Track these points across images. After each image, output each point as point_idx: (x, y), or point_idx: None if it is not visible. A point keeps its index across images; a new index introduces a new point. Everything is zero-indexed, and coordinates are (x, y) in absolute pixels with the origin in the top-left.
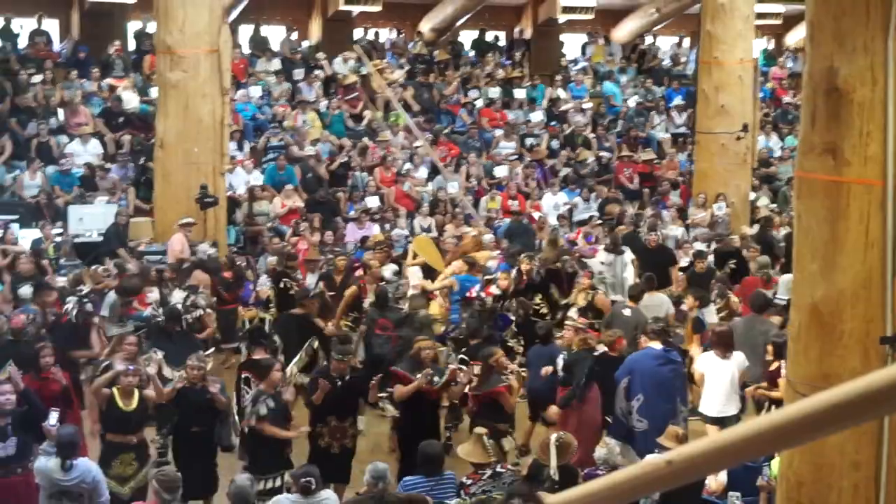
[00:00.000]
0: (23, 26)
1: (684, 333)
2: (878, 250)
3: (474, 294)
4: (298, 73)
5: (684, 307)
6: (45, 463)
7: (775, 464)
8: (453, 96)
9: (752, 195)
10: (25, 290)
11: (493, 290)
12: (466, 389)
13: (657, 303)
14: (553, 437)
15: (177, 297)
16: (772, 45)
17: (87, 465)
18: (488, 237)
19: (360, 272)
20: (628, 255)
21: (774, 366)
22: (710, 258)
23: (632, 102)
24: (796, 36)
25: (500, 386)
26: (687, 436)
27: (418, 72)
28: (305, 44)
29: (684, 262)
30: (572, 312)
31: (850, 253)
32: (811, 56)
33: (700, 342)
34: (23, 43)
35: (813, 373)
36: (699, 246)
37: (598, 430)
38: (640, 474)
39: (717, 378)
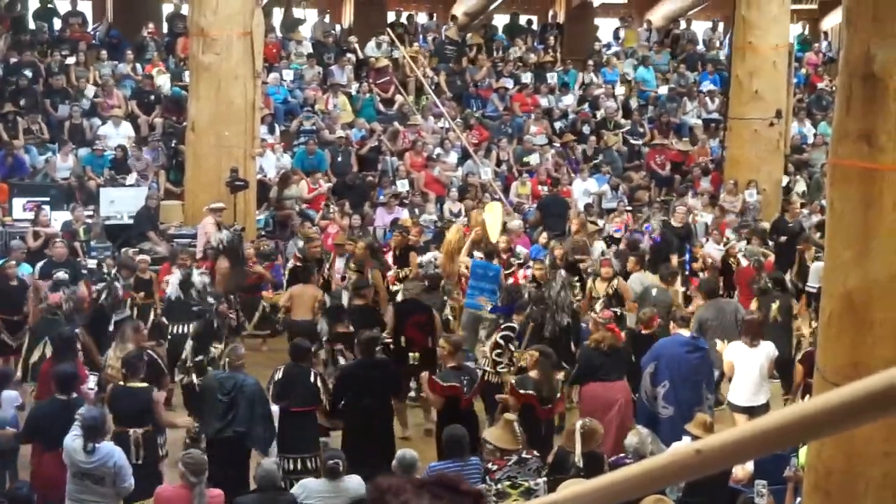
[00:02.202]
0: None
1: None
2: None
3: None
4: (330, 57)
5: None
6: (72, 442)
7: (803, 453)
8: (485, 81)
9: (786, 179)
10: (60, 276)
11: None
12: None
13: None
14: (578, 423)
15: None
16: (807, 31)
17: (110, 450)
18: (517, 223)
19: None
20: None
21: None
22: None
23: (664, 88)
24: (832, 21)
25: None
26: (713, 424)
27: (450, 56)
28: (338, 27)
29: (711, 247)
30: (598, 305)
31: (884, 241)
32: (847, 41)
33: None
34: (57, 24)
35: (844, 362)
36: (730, 234)
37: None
38: (669, 463)
39: (747, 367)
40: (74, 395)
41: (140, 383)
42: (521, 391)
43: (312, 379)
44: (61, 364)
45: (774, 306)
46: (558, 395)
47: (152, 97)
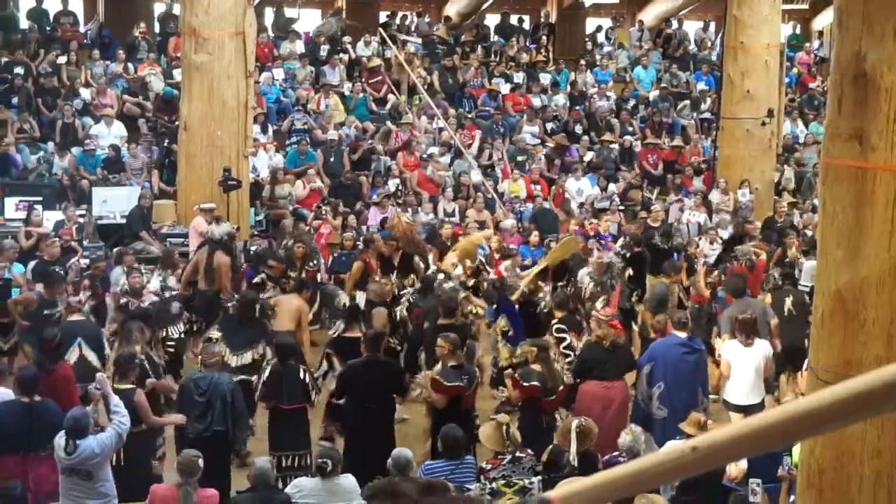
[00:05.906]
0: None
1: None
2: None
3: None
4: (323, 55)
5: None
6: (58, 440)
7: (796, 451)
8: (477, 80)
9: (777, 174)
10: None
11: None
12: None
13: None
14: (574, 422)
15: (172, 282)
16: (798, 31)
17: (90, 445)
18: (510, 222)
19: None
20: None
21: None
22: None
23: (656, 88)
24: (823, 21)
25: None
26: (707, 423)
27: (442, 55)
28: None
29: (706, 247)
30: (599, 303)
31: (876, 239)
32: (839, 41)
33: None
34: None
35: (836, 360)
36: (723, 233)
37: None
38: (664, 461)
39: (742, 366)
40: (37, 398)
41: (128, 385)
42: (525, 383)
43: (301, 376)
44: (26, 367)
45: (788, 301)
46: (560, 387)
47: (146, 99)
